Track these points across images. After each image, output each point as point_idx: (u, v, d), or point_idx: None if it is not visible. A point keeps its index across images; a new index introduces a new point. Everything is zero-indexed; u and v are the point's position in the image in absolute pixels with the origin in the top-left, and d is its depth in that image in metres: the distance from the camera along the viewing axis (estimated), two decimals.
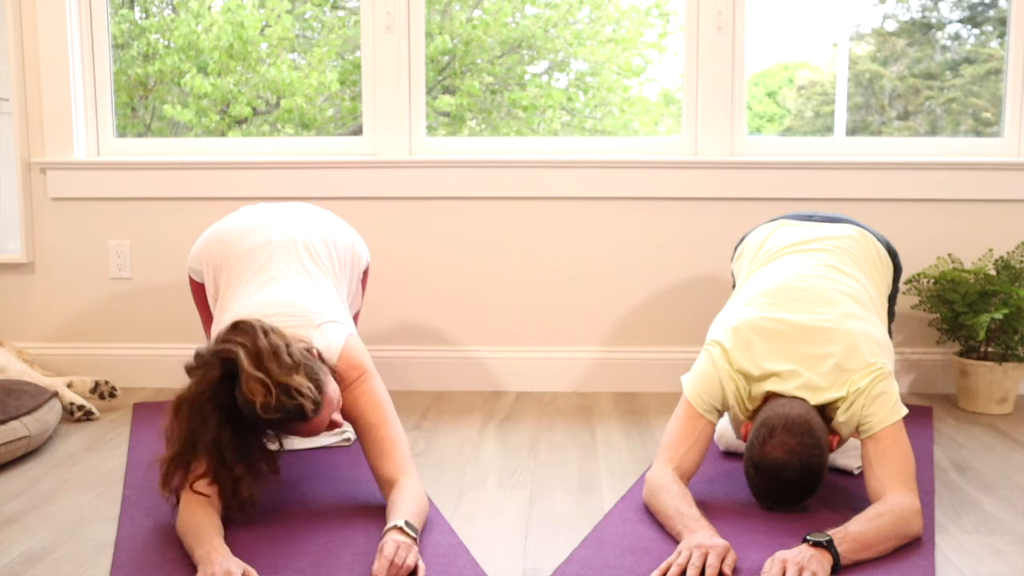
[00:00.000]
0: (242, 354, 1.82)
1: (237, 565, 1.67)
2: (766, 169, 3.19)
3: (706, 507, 2.03)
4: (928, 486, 2.22)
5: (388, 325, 3.30)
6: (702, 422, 2.06)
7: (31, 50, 3.25)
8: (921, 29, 3.98)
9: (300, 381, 1.83)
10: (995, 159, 3.19)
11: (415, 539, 1.78)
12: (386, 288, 3.27)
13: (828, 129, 4.36)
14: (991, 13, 3.72)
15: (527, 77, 4.53)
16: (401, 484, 1.95)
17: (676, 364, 3.18)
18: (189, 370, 1.90)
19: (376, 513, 1.99)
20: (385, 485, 2.00)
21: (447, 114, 4.36)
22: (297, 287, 2.23)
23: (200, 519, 1.81)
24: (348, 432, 2.53)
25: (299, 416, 1.85)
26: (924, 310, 3.08)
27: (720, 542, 1.76)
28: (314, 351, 1.98)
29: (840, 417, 2.00)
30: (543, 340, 3.30)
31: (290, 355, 1.85)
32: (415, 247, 3.28)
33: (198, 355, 1.89)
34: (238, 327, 1.88)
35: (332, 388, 1.94)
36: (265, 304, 2.15)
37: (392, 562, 1.66)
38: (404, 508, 1.86)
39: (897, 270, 2.44)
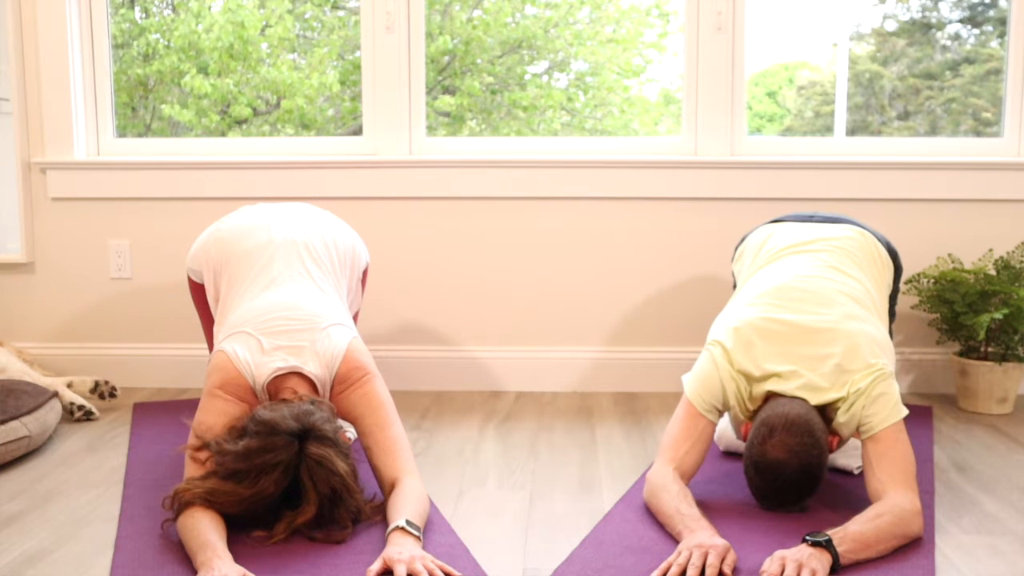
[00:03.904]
0: (345, 480, 1.89)
1: (238, 572, 1.66)
2: (766, 169, 3.19)
3: (706, 507, 2.03)
4: (928, 486, 2.23)
5: (388, 325, 3.30)
6: (703, 422, 2.06)
7: (31, 50, 3.25)
8: (921, 29, 3.98)
9: (361, 511, 1.94)
10: (995, 159, 3.19)
11: (418, 538, 1.79)
12: (386, 288, 3.27)
13: (828, 129, 4.36)
14: (991, 13, 3.72)
15: (527, 77, 4.53)
16: (402, 484, 1.96)
17: (676, 364, 3.18)
18: (273, 427, 1.88)
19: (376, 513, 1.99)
20: (386, 485, 2.00)
21: (447, 114, 4.36)
22: (300, 290, 2.23)
23: (203, 522, 1.81)
24: (349, 432, 2.53)
25: (338, 528, 1.90)
26: (924, 310, 3.08)
27: (720, 542, 1.76)
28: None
29: (840, 417, 2.00)
30: (543, 340, 3.30)
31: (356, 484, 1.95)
32: (415, 247, 3.28)
33: (287, 431, 1.87)
34: (338, 443, 1.92)
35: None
36: (268, 308, 2.15)
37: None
38: (406, 508, 1.86)
39: (898, 270, 2.44)
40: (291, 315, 2.13)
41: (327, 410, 1.97)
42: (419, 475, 2.03)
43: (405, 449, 2.05)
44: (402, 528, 1.78)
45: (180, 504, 1.85)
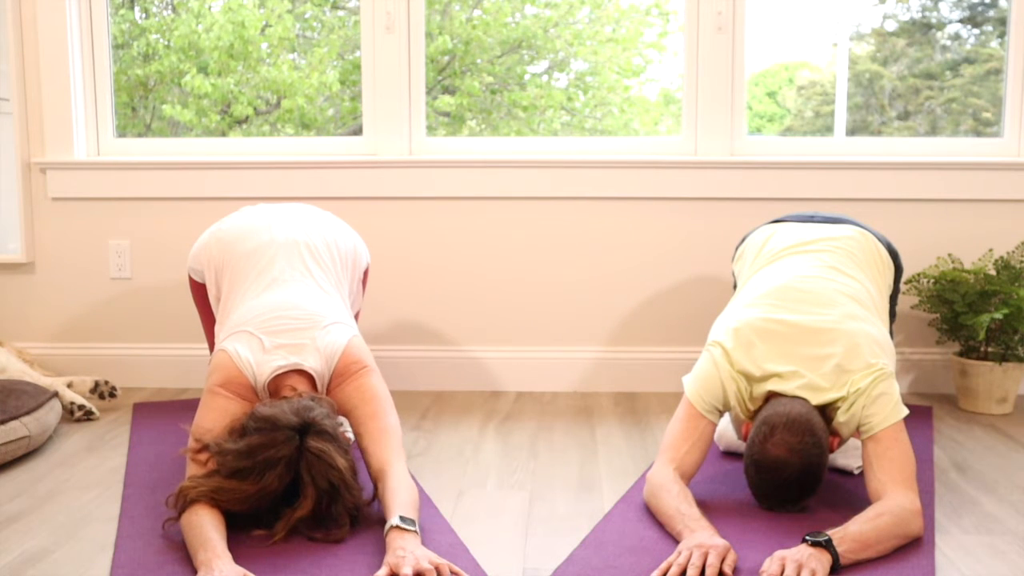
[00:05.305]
0: (344, 475, 1.89)
1: (238, 573, 1.66)
2: (766, 169, 3.19)
3: (706, 507, 2.03)
4: (928, 486, 2.23)
5: (388, 325, 3.30)
6: (703, 422, 2.07)
7: (31, 50, 3.25)
8: (921, 29, 3.98)
9: (360, 508, 1.94)
10: (995, 159, 3.19)
11: (416, 532, 1.79)
12: (386, 288, 3.27)
13: (828, 129, 4.35)
14: (991, 13, 3.72)
15: (527, 77, 4.53)
16: (390, 475, 1.94)
17: (676, 364, 3.18)
18: (275, 423, 1.88)
19: (374, 511, 1.99)
20: (373, 472, 1.99)
21: (447, 114, 4.36)
22: (301, 289, 2.24)
23: (206, 520, 1.81)
24: (349, 432, 2.52)
25: (336, 525, 1.90)
26: (924, 310, 3.08)
27: (720, 542, 1.76)
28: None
29: (840, 417, 2.00)
30: (543, 340, 3.30)
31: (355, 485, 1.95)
32: (415, 247, 3.28)
33: (288, 426, 1.88)
34: (336, 438, 1.92)
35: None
36: (270, 307, 2.16)
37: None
38: (398, 502, 1.85)
39: (898, 270, 2.44)
40: (292, 314, 2.14)
41: (327, 406, 1.97)
42: (406, 464, 2.02)
43: (394, 439, 2.04)
44: (399, 528, 1.77)
45: (185, 501, 1.85)
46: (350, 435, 2.54)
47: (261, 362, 2.05)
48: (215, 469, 1.89)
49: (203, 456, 1.94)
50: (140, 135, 4.26)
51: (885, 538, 1.81)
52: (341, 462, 1.89)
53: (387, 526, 1.80)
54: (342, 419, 2.06)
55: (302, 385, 2.05)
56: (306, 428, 1.89)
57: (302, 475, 1.87)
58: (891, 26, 4.02)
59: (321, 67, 4.37)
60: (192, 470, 1.95)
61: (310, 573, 1.74)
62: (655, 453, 2.51)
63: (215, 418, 1.99)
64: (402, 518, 1.79)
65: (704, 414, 2.06)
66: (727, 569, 1.71)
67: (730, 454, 2.46)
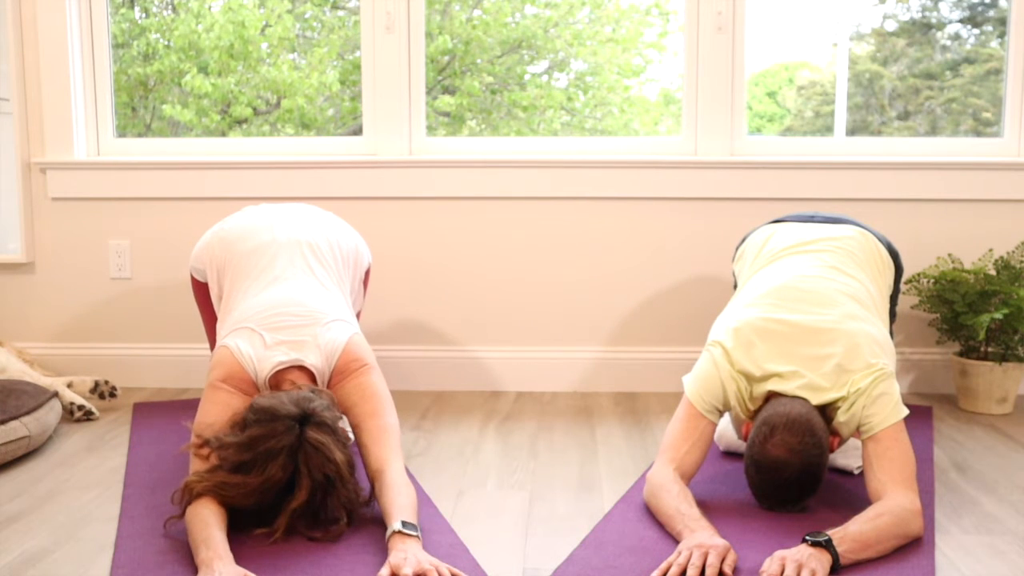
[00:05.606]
0: (340, 469, 1.89)
1: (238, 574, 1.66)
2: (766, 169, 3.19)
3: (706, 507, 2.03)
4: (928, 486, 2.23)
5: (388, 325, 3.30)
6: (703, 422, 2.07)
7: (31, 50, 3.25)
8: (921, 29, 3.98)
9: (355, 504, 1.94)
10: (995, 159, 3.19)
11: (418, 536, 1.79)
12: (386, 288, 3.27)
13: (828, 129, 4.35)
14: (991, 13, 3.72)
15: (527, 77, 4.53)
16: (387, 475, 1.94)
17: (676, 364, 3.18)
18: (274, 414, 1.89)
19: (373, 510, 1.99)
20: (371, 472, 1.99)
21: (447, 114, 4.36)
22: (302, 287, 2.24)
23: (210, 516, 1.81)
24: (350, 432, 2.52)
25: (331, 520, 1.92)
26: (924, 310, 3.08)
27: (720, 542, 1.76)
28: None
29: (841, 417, 2.00)
30: (543, 340, 3.30)
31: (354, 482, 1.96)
32: (415, 247, 3.28)
33: (289, 416, 1.89)
34: (336, 431, 1.93)
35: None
36: (271, 304, 2.16)
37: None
38: (398, 506, 1.85)
39: (898, 270, 2.45)
40: (294, 311, 2.14)
41: (327, 398, 1.97)
42: (403, 463, 2.02)
43: (393, 438, 2.04)
44: (401, 532, 1.77)
45: (190, 496, 1.85)
46: (350, 433, 2.54)
47: (262, 358, 2.06)
48: (218, 464, 1.89)
49: (205, 451, 1.94)
50: (140, 135, 4.26)
51: (885, 538, 1.81)
52: (339, 456, 1.89)
53: (388, 531, 1.80)
54: (341, 415, 2.06)
55: (302, 381, 2.06)
56: (306, 418, 1.89)
57: (299, 466, 1.87)
58: (891, 26, 4.02)
59: (321, 67, 4.37)
60: (195, 466, 1.95)
61: (310, 573, 1.74)
62: (655, 453, 2.52)
63: (217, 412, 2.00)
64: (404, 523, 1.79)
65: (704, 414, 2.06)
66: (727, 569, 1.71)
67: (730, 454, 2.46)
